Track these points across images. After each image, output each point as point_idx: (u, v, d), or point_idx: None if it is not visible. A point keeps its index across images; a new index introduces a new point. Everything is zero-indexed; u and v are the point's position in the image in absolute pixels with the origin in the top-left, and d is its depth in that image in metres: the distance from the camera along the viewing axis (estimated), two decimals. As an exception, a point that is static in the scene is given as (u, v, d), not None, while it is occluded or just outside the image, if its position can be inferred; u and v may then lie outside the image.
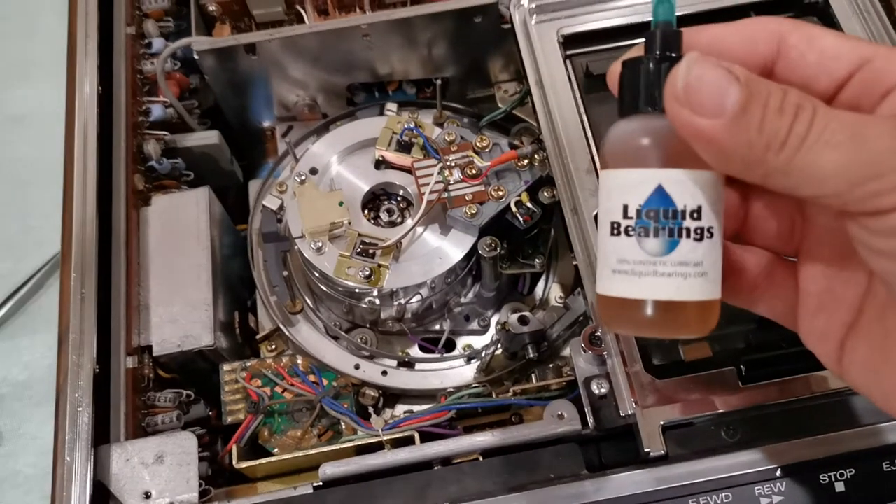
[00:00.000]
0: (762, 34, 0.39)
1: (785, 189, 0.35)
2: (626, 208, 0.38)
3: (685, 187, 0.37)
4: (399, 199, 0.71)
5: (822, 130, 0.33)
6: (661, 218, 0.37)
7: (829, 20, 0.66)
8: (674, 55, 0.38)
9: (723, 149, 0.34)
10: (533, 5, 0.68)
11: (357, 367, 0.68)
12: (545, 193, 0.66)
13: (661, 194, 0.37)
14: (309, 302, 0.71)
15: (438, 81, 0.77)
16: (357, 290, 0.66)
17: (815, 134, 0.33)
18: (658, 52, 0.38)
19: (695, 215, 0.37)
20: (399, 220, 0.70)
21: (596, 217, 0.59)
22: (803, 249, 0.42)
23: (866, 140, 0.32)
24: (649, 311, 0.38)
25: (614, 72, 0.41)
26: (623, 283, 0.39)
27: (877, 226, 0.33)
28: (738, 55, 0.39)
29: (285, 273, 0.72)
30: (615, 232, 0.39)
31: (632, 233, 0.38)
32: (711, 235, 0.38)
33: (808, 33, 0.38)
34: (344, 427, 0.64)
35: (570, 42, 0.67)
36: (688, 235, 0.37)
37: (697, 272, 0.38)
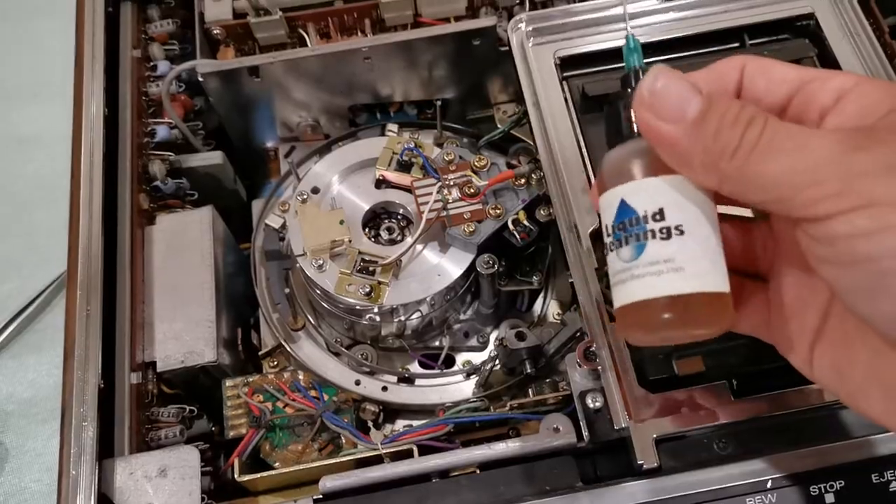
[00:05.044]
0: (729, 68, 0.43)
1: (738, 195, 0.37)
2: (606, 228, 0.42)
3: (643, 194, 0.40)
4: (399, 217, 0.73)
5: (771, 139, 0.35)
6: (628, 227, 0.40)
7: (820, 42, 0.67)
8: None
9: (682, 152, 0.38)
10: (530, 28, 0.69)
11: (358, 382, 0.69)
12: (542, 212, 0.68)
13: (623, 206, 0.40)
14: (310, 319, 0.72)
15: (438, 103, 0.78)
16: (358, 307, 0.67)
17: (764, 143, 0.36)
18: (630, 90, 0.41)
19: (657, 217, 0.40)
20: (399, 238, 0.71)
21: (595, 232, 0.61)
22: (774, 265, 0.45)
23: (808, 149, 0.35)
24: (641, 313, 0.41)
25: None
26: (616, 294, 0.42)
27: (816, 232, 0.35)
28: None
29: (287, 290, 0.73)
30: (607, 252, 0.42)
31: (613, 248, 0.41)
32: (682, 233, 0.40)
33: (762, 63, 0.42)
34: (344, 441, 0.64)
35: (566, 64, 0.68)
36: (653, 237, 0.40)
37: (671, 268, 0.40)
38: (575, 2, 0.72)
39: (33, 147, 1.06)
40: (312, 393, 0.67)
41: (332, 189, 0.72)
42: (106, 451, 0.59)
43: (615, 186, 0.41)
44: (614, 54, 0.68)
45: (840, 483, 0.51)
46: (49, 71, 1.10)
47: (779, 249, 0.44)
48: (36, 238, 0.99)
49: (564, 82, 0.68)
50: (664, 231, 0.40)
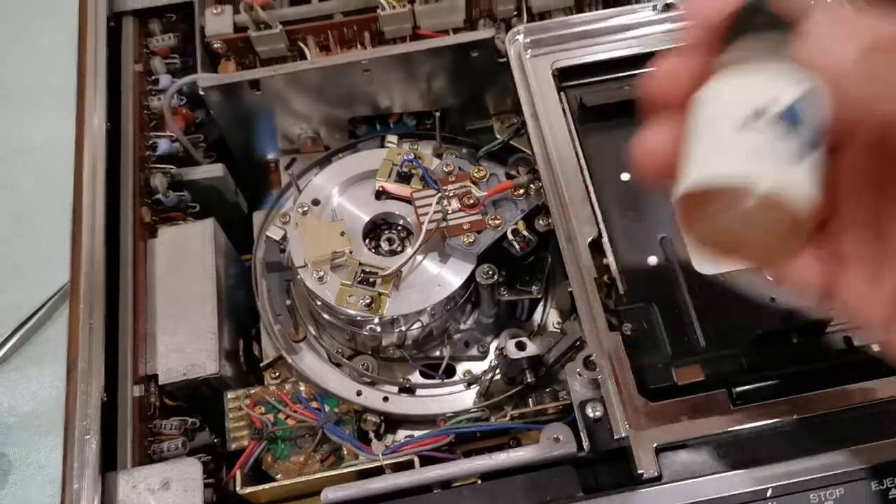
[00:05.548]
0: None
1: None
2: (775, 100, 0.37)
3: (824, 103, 0.36)
4: (399, 228, 0.73)
5: None
6: (807, 121, 0.36)
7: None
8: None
9: (848, 88, 0.35)
10: (528, 40, 0.70)
11: (359, 393, 0.69)
12: (541, 222, 0.68)
13: (811, 99, 0.36)
14: (312, 330, 0.73)
15: (438, 114, 0.79)
16: (358, 318, 0.67)
17: None
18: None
19: (823, 132, 0.37)
20: (399, 248, 0.72)
21: (593, 241, 0.61)
22: (841, 217, 0.41)
23: None
24: (774, 202, 0.36)
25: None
26: (761, 165, 0.36)
27: None
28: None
29: (288, 302, 0.74)
30: (752, 124, 0.37)
31: (777, 128, 0.36)
32: (825, 163, 0.37)
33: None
34: (346, 452, 0.65)
35: (564, 75, 0.69)
36: (816, 147, 0.37)
37: (818, 183, 0.37)
38: (572, 14, 0.72)
39: (35, 158, 1.06)
40: (314, 404, 0.67)
41: (333, 200, 0.73)
42: (109, 463, 0.59)
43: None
44: (611, 65, 0.69)
45: (839, 491, 0.51)
46: (49, 72, 1.10)
47: (845, 198, 0.40)
48: (38, 250, 0.99)
49: (562, 93, 0.68)
50: (821, 149, 0.37)
